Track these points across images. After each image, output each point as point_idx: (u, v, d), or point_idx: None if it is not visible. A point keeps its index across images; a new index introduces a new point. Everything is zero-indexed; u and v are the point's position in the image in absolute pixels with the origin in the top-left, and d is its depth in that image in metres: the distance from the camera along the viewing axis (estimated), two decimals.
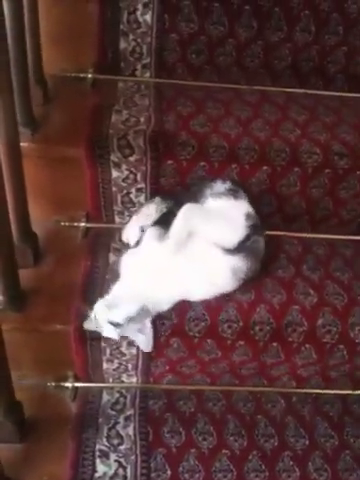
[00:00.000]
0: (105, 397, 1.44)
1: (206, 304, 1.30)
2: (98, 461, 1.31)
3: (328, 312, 1.34)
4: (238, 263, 1.28)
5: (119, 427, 1.38)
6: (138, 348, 1.31)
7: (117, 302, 1.24)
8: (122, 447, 1.34)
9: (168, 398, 1.44)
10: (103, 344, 1.30)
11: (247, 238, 1.30)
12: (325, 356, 1.35)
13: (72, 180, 1.47)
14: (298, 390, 1.48)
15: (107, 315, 1.23)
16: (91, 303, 1.28)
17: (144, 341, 1.27)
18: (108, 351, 1.32)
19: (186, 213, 1.28)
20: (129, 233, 1.39)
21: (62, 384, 1.42)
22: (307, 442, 1.39)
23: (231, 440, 1.37)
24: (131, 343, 1.30)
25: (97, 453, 1.33)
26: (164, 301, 1.27)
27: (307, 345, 1.32)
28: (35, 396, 1.41)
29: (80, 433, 1.36)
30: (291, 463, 1.35)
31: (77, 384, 1.43)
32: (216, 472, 1.31)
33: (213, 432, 1.38)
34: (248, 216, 1.33)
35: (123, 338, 1.28)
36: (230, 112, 1.49)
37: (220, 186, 1.35)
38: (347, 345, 1.33)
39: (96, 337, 1.29)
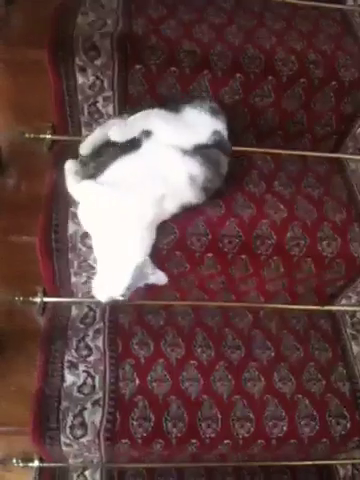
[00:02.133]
0: (74, 311, 1.44)
1: (174, 218, 1.28)
2: (67, 372, 1.33)
3: (297, 226, 1.34)
4: (194, 169, 1.23)
5: (88, 339, 1.39)
6: None
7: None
8: (91, 358, 1.35)
9: (137, 312, 1.45)
10: (70, 256, 1.28)
11: (205, 146, 1.25)
12: (293, 269, 1.36)
13: (36, 89, 1.38)
14: (265, 305, 1.50)
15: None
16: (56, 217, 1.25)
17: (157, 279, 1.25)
18: (76, 264, 1.30)
19: (145, 113, 1.24)
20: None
21: (30, 299, 1.41)
22: (273, 354, 1.43)
23: (199, 351, 1.39)
24: None
25: (66, 364, 1.34)
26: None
27: (275, 258, 1.32)
28: (2, 311, 1.40)
29: (49, 345, 1.37)
30: (257, 373, 1.39)
31: (45, 299, 1.42)
32: (184, 381, 1.34)
33: (181, 344, 1.40)
34: (215, 132, 1.28)
35: (88, 250, 1.26)
36: (203, 17, 1.40)
37: (200, 102, 1.30)
38: (315, 258, 1.34)
39: (63, 248, 1.26)
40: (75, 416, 1.26)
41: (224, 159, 1.29)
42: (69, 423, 1.25)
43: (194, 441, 1.28)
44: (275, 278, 1.38)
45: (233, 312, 1.49)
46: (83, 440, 1.26)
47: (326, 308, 1.53)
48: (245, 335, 1.45)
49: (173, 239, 1.27)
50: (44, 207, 1.30)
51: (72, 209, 1.28)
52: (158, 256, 1.27)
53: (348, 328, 1.51)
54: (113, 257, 1.19)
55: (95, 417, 1.27)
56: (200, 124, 1.27)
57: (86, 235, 1.24)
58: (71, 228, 1.26)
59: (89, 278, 1.35)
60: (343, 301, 1.52)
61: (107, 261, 1.21)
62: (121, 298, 1.20)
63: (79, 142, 1.38)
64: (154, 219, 1.23)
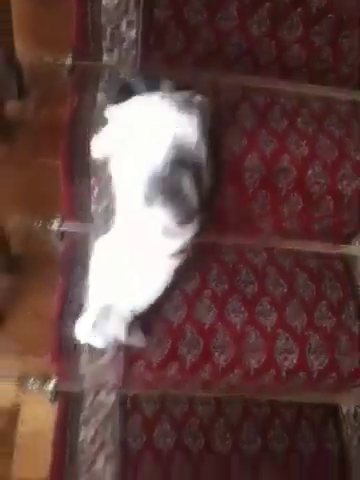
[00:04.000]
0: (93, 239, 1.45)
1: None
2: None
3: (318, 164, 1.34)
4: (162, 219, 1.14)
5: None
6: None
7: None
8: None
9: None
10: (92, 181, 1.28)
11: (162, 177, 1.12)
12: (311, 207, 1.36)
13: (58, 13, 1.37)
14: (280, 245, 1.52)
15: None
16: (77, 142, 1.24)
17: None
18: (96, 190, 1.31)
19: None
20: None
21: (48, 226, 1.43)
22: (285, 290, 1.45)
23: (213, 284, 1.41)
24: None
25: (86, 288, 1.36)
26: None
27: (295, 193, 1.33)
28: (21, 234, 1.42)
29: (69, 270, 1.39)
30: (269, 307, 1.41)
31: (63, 227, 1.44)
32: (199, 310, 1.37)
33: (197, 277, 1.42)
34: (176, 140, 1.13)
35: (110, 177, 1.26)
36: None
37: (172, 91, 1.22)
38: (334, 197, 1.34)
39: (84, 173, 1.27)
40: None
41: (186, 179, 1.13)
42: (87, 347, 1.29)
43: (207, 367, 1.31)
44: (293, 215, 1.39)
45: (248, 249, 1.50)
46: (102, 361, 1.30)
47: (341, 251, 1.54)
48: (259, 271, 1.48)
49: None
50: (66, 132, 1.30)
51: (94, 134, 1.28)
52: None
53: None
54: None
55: None
56: (162, 127, 1.15)
57: (108, 161, 1.25)
58: (93, 153, 1.26)
59: (108, 207, 1.36)
60: (357, 243, 1.54)
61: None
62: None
63: (100, 67, 1.37)
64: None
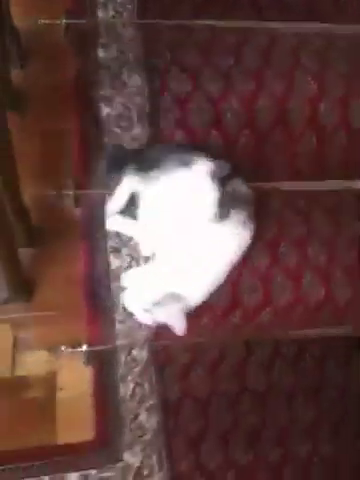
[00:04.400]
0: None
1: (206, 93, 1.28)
2: (111, 257, 1.37)
3: (328, 100, 1.35)
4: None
5: None
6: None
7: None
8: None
9: None
10: (106, 140, 1.27)
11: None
12: (325, 143, 1.38)
13: None
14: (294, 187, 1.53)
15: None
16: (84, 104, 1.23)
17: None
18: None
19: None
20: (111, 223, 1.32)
21: (65, 193, 1.42)
22: (305, 230, 1.47)
23: None
24: (135, 139, 1.28)
25: (109, 250, 1.37)
26: None
27: (308, 131, 1.34)
28: (39, 206, 1.41)
29: (90, 234, 1.40)
30: (290, 248, 1.43)
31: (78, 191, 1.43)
32: None
33: None
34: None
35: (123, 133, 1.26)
36: None
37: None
38: (346, 131, 1.36)
39: (97, 132, 1.25)
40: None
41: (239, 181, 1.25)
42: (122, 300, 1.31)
43: (237, 312, 1.35)
44: (307, 154, 1.40)
45: (262, 194, 1.51)
46: (133, 319, 1.32)
47: (351, 186, 1.56)
48: (275, 215, 1.49)
49: (208, 118, 1.27)
50: (71, 93, 1.28)
51: (101, 92, 1.26)
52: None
53: None
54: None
55: None
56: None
57: (121, 116, 1.23)
58: (104, 110, 1.25)
59: None
60: None
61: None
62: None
63: (95, 26, 1.34)
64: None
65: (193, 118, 1.27)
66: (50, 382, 1.50)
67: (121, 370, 1.52)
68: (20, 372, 1.49)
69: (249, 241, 1.27)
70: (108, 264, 1.35)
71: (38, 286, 1.34)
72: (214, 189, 1.19)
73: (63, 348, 1.48)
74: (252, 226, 1.27)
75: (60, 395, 1.49)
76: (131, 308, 1.25)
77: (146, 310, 1.24)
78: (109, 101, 1.24)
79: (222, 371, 1.54)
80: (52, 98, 1.29)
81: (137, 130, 1.26)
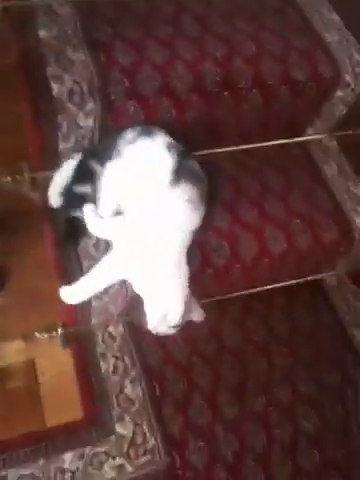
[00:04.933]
0: None
1: (152, 62, 1.29)
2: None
3: (269, 57, 1.40)
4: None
5: None
6: (95, 120, 1.30)
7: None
8: None
9: None
10: (59, 118, 1.26)
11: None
12: (270, 100, 1.43)
13: None
14: (242, 146, 1.58)
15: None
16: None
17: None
18: (65, 125, 1.28)
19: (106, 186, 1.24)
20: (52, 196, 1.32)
21: (18, 177, 1.40)
22: (259, 187, 1.52)
23: None
24: (88, 114, 1.28)
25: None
26: None
27: (254, 90, 1.38)
28: None
29: (51, 216, 1.39)
30: (249, 205, 1.50)
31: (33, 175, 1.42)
32: None
33: None
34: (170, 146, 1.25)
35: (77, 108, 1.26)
36: None
37: (130, 133, 1.26)
38: (290, 86, 1.41)
39: (50, 110, 1.25)
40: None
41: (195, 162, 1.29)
42: None
43: (208, 270, 1.39)
44: (254, 114, 1.46)
45: (215, 159, 1.55)
46: (106, 296, 1.34)
47: (296, 140, 1.64)
48: (230, 177, 1.54)
49: (157, 85, 1.30)
50: (19, 75, 1.27)
51: (50, 69, 1.25)
52: (145, 105, 1.30)
53: (319, 155, 1.64)
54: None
55: None
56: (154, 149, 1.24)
57: (73, 92, 1.23)
58: (55, 89, 1.24)
59: (77, 141, 1.35)
60: (310, 130, 1.64)
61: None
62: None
63: (32, 7, 1.32)
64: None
65: (142, 87, 1.29)
66: (30, 369, 1.50)
67: (100, 348, 1.55)
68: None
69: (199, 223, 1.29)
70: (77, 243, 1.35)
71: (13, 273, 1.33)
72: (171, 157, 1.23)
73: (38, 334, 1.48)
74: (203, 207, 1.30)
75: (42, 380, 1.49)
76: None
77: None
78: (58, 79, 1.23)
79: (199, 333, 1.59)
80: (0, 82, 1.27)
81: (90, 105, 1.26)
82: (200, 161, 1.33)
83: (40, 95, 1.25)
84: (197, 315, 1.32)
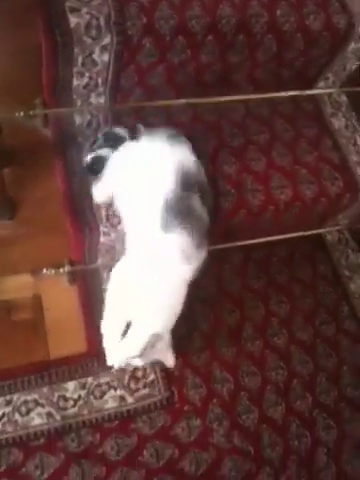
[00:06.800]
0: (77, 120, 1.46)
1: (170, 1, 1.30)
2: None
3: (285, 5, 1.40)
4: (179, 243, 1.21)
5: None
6: (110, 55, 1.31)
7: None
8: None
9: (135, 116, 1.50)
10: (76, 50, 1.27)
11: (171, 207, 1.20)
12: (284, 47, 1.44)
13: None
14: (255, 96, 1.60)
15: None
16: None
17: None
18: (80, 59, 1.29)
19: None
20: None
21: (31, 112, 1.41)
22: (268, 136, 1.55)
23: None
24: (104, 48, 1.29)
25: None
26: None
27: (269, 36, 1.39)
28: (6, 126, 1.40)
29: (63, 152, 1.40)
30: (257, 154, 1.51)
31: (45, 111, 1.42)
32: None
33: None
34: (179, 167, 1.22)
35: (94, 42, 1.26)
36: None
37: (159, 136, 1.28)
38: (304, 33, 1.42)
39: (67, 41, 1.25)
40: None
41: (196, 199, 1.23)
42: (104, 212, 1.35)
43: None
44: (267, 61, 1.47)
45: (226, 106, 1.57)
46: (114, 234, 1.37)
47: (307, 92, 1.65)
48: (240, 124, 1.56)
49: (174, 24, 1.30)
50: (38, 6, 1.26)
51: (67, 3, 1.25)
52: (160, 45, 1.31)
53: (328, 108, 1.66)
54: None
55: None
56: (162, 160, 1.24)
57: (90, 25, 1.24)
58: (72, 21, 1.24)
59: (90, 79, 1.37)
60: (321, 83, 1.65)
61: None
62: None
63: None
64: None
65: (159, 25, 1.29)
66: (37, 303, 1.54)
67: (105, 285, 1.58)
68: (6, 297, 1.52)
69: (199, 266, 1.26)
70: (86, 181, 1.38)
71: (21, 204, 1.35)
72: (172, 192, 1.20)
73: (45, 270, 1.52)
74: (204, 250, 1.25)
75: (48, 314, 1.54)
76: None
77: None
78: (76, 11, 1.23)
79: (201, 278, 1.63)
80: (17, 13, 1.27)
81: (106, 39, 1.26)
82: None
83: (57, 27, 1.25)
84: (168, 361, 1.38)
